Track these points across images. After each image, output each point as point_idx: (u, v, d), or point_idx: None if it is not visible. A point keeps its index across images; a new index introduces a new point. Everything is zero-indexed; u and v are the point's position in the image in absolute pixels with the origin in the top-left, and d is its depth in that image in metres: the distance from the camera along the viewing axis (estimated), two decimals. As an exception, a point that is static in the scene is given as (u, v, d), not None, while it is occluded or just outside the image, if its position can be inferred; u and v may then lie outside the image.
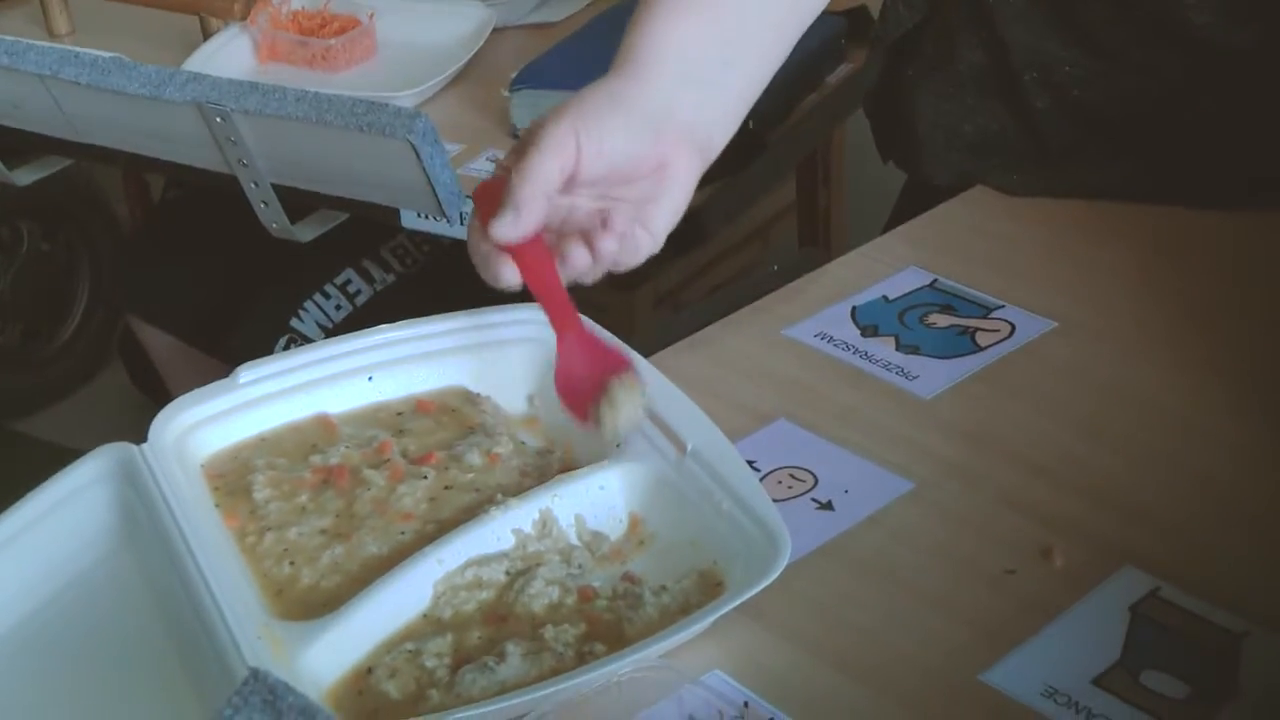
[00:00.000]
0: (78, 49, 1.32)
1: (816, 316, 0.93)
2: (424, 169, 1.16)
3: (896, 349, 0.89)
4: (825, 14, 1.44)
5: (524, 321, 0.85)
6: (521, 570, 0.73)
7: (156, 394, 1.77)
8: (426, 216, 1.25)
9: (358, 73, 1.50)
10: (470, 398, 0.83)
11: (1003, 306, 0.92)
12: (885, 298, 0.94)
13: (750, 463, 0.80)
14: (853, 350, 0.90)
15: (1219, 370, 0.85)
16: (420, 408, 0.83)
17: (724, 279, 1.79)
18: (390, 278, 1.55)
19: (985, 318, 0.92)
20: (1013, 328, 0.90)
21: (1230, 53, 0.96)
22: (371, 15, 1.53)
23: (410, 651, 0.68)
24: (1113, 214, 1.00)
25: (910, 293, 0.95)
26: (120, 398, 2.20)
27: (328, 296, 1.52)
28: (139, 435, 0.77)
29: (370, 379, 0.83)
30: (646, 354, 0.84)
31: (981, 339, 0.90)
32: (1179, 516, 0.76)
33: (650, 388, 0.80)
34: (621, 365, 0.76)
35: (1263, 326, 0.89)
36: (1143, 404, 0.84)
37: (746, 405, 0.86)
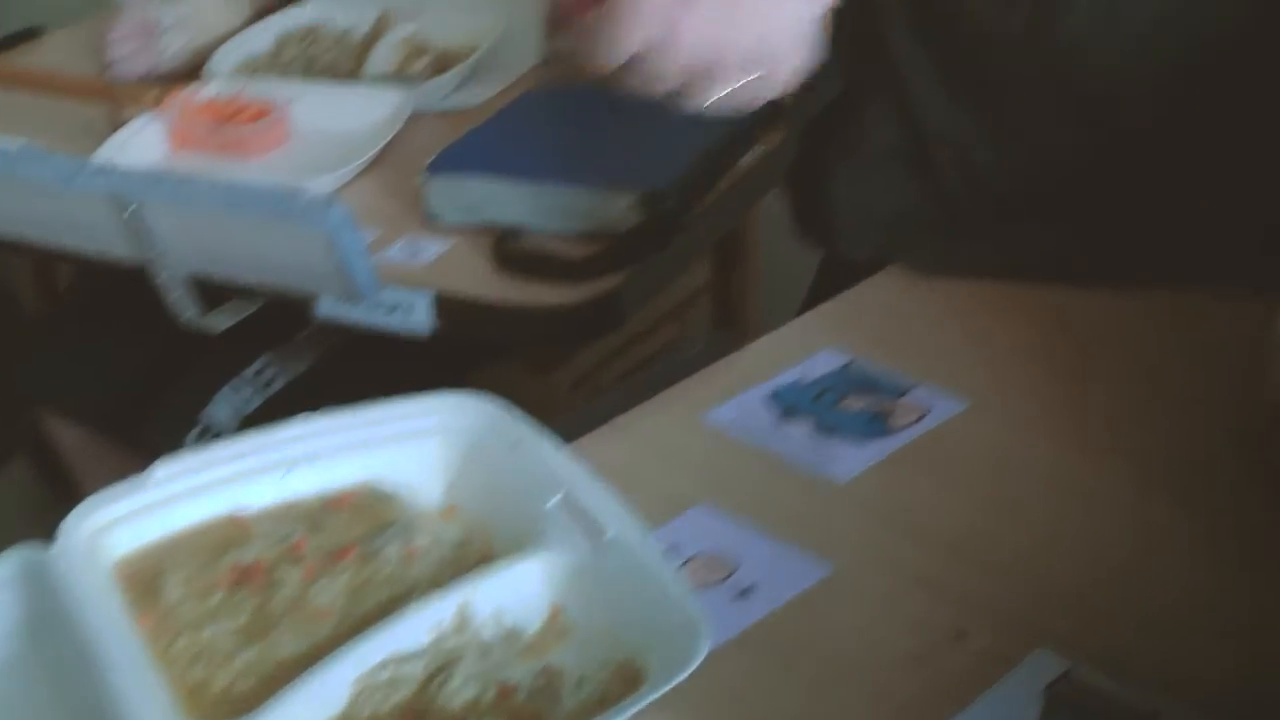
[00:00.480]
0: (-14, 140, 1.31)
1: (734, 400, 0.94)
2: (340, 257, 1.16)
3: (814, 432, 0.90)
4: (738, 97, 1.46)
5: (439, 411, 0.84)
6: (440, 666, 0.72)
7: (66, 489, 1.74)
8: (343, 303, 1.24)
9: (272, 159, 1.49)
10: (387, 490, 0.83)
11: (917, 387, 0.93)
12: (802, 380, 0.95)
13: (669, 550, 0.80)
14: (771, 434, 0.90)
15: (1123, 450, 0.87)
16: (336, 502, 0.82)
17: (641, 360, 1.80)
18: (305, 365, 1.54)
19: (900, 398, 0.92)
20: (927, 409, 0.91)
21: (1144, 132, 0.98)
22: (286, 102, 1.53)
23: (327, 753, 0.68)
24: (1024, 294, 1.02)
25: (826, 375, 0.95)
26: (28, 494, 2.16)
27: (242, 385, 1.51)
28: (48, 532, 0.75)
29: (285, 474, 0.82)
30: (566, 440, 0.84)
31: (897, 420, 0.90)
32: (1091, 596, 0.77)
33: (570, 475, 0.80)
34: None
35: (1167, 406, 0.90)
36: (1052, 484, 0.85)
37: (665, 491, 0.86)
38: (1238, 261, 0.98)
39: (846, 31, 1.11)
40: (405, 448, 0.84)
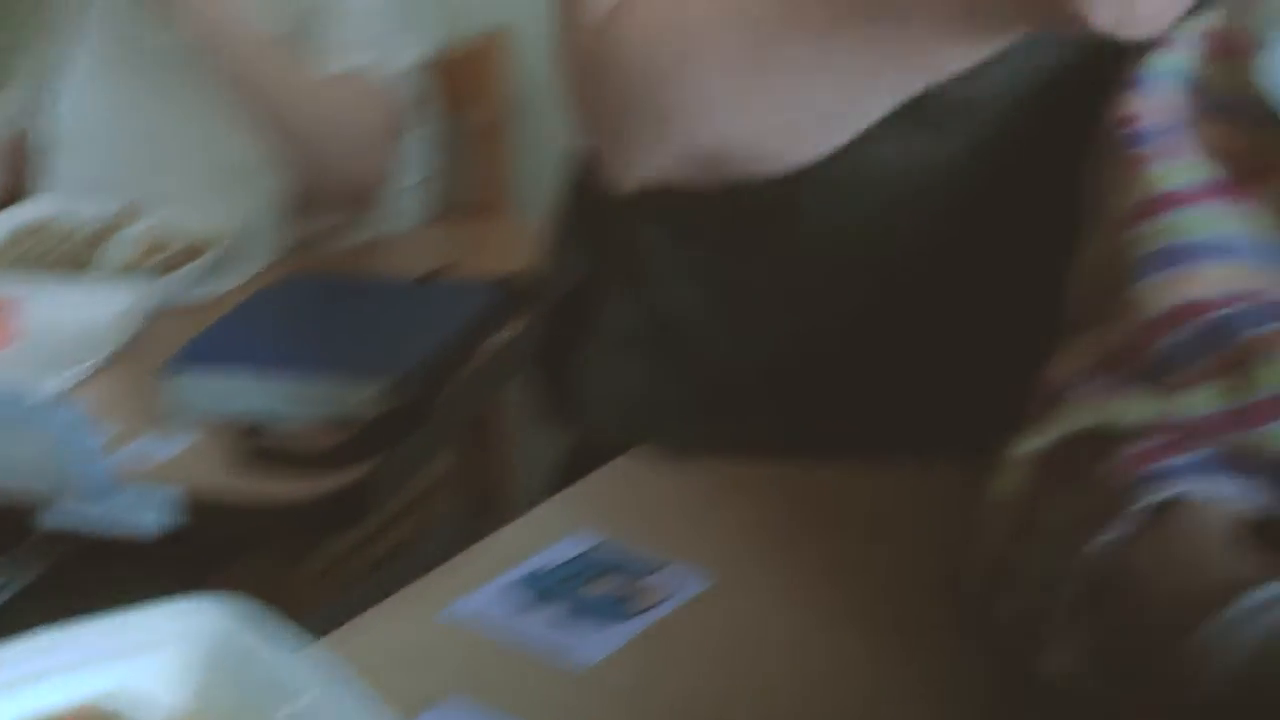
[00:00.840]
0: None
1: (484, 588, 0.93)
2: (70, 458, 1.12)
3: (562, 617, 0.90)
4: (482, 282, 1.49)
5: (176, 618, 0.82)
6: None
7: None
8: (77, 505, 1.20)
9: (2, 359, 1.45)
10: (118, 706, 0.80)
11: (665, 566, 0.94)
12: (551, 564, 0.95)
13: (418, 748, 0.78)
14: (519, 621, 0.90)
15: (861, 623, 0.88)
16: (66, 722, 0.78)
17: (394, 545, 1.78)
18: (37, 572, 1.48)
19: (647, 579, 0.93)
20: (672, 588, 0.92)
21: (879, 310, 1.02)
22: (17, 298, 1.49)
23: None
24: (770, 470, 1.03)
25: (575, 558, 0.96)
26: None
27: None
28: None
29: (6, 697, 0.78)
30: (313, 637, 0.82)
31: (642, 601, 0.91)
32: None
33: (315, 677, 0.78)
34: None
35: (903, 577, 0.92)
36: (793, 662, 0.86)
37: (413, 687, 0.84)
38: (965, 428, 1.02)
39: (587, 213, 1.14)
40: (139, 660, 0.81)
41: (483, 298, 1.44)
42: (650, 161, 0.91)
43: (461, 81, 1.98)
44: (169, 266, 1.56)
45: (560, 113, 1.19)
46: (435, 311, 1.40)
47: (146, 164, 1.68)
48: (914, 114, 0.94)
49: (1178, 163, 0.80)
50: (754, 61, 0.85)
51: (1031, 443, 0.79)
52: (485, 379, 1.40)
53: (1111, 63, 0.84)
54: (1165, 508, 0.72)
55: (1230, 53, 0.81)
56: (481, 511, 1.69)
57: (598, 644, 0.87)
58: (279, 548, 1.59)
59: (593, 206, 1.13)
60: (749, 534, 0.98)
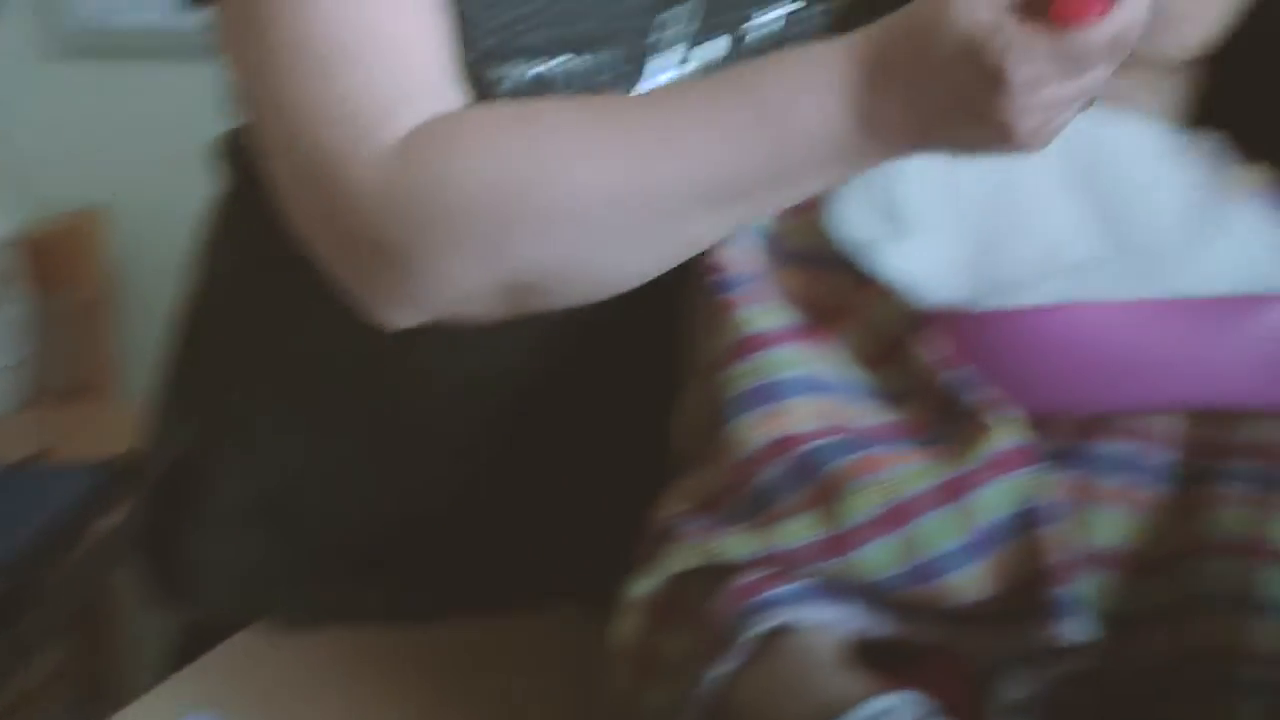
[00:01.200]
0: None
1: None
2: None
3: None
4: (83, 466, 1.42)
5: None
6: None
7: None
8: None
9: None
10: None
11: (290, 740, 0.92)
12: (167, 751, 0.91)
13: None
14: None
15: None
16: None
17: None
18: None
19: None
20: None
21: (489, 464, 1.03)
22: None
23: None
24: (395, 636, 1.02)
25: (193, 741, 0.92)
26: None
27: None
28: None
29: None
30: None
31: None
32: None
33: None
34: None
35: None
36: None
37: None
38: (587, 574, 1.04)
39: (192, 386, 1.11)
40: None
41: (84, 482, 1.38)
42: (459, 289, 0.83)
43: (55, 261, 1.92)
44: None
45: (162, 288, 1.17)
46: (31, 499, 1.34)
47: None
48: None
49: (762, 307, 0.85)
50: (618, 174, 0.81)
51: (643, 584, 0.81)
52: (91, 566, 1.34)
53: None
54: (770, 637, 0.75)
55: (802, 208, 0.87)
56: (98, 699, 1.60)
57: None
58: None
59: (198, 378, 1.11)
60: (378, 703, 0.96)
